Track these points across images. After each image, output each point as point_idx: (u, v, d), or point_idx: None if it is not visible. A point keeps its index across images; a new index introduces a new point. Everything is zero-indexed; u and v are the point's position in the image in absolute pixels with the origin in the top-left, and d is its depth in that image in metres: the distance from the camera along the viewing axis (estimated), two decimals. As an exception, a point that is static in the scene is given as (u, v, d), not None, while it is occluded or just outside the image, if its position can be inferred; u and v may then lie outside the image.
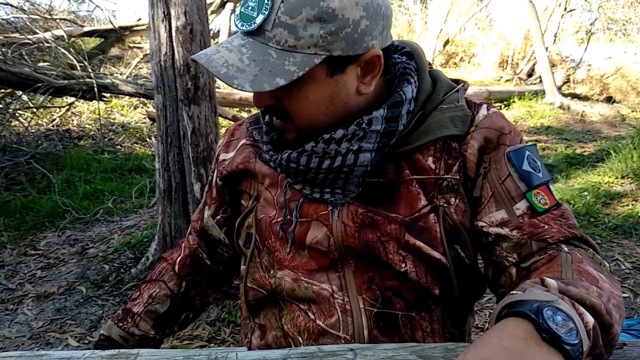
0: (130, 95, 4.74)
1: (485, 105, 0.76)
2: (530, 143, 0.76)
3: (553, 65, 8.18)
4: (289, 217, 0.76)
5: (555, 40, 9.02)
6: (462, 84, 0.77)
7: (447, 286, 0.74)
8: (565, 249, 0.66)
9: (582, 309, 0.51)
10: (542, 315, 0.47)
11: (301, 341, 0.77)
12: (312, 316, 0.76)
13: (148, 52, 4.65)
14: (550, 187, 0.73)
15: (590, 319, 0.50)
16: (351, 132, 0.68)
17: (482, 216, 0.72)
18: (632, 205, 3.43)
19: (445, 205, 0.72)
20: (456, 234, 0.73)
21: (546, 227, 0.69)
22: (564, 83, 8.18)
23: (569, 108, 7.06)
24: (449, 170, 0.72)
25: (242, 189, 0.84)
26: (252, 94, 0.66)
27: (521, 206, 0.70)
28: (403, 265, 0.72)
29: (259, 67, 0.62)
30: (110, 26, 6.64)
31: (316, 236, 0.74)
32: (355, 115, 0.69)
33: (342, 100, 0.68)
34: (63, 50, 5.08)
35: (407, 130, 0.72)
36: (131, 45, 7.38)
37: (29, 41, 5.13)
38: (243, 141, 0.84)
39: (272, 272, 0.79)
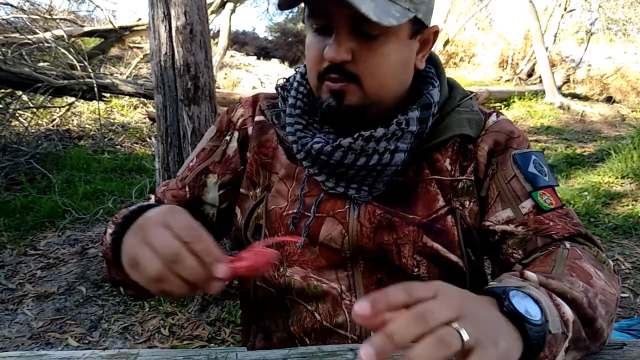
0: (130, 95, 4.74)
1: (495, 113, 0.80)
2: (537, 149, 0.79)
3: (553, 65, 8.18)
4: (302, 211, 0.75)
5: (555, 40, 9.02)
6: (475, 94, 0.81)
7: None
8: (567, 245, 0.67)
9: (559, 300, 0.52)
10: (508, 295, 0.48)
11: (308, 342, 0.76)
12: (318, 317, 0.75)
13: (148, 52, 4.65)
14: (556, 191, 0.75)
15: (567, 310, 0.51)
16: (391, 132, 0.69)
17: (489, 216, 0.74)
18: (632, 205, 3.43)
19: (460, 208, 0.73)
20: (469, 237, 0.74)
21: (551, 223, 0.70)
22: (564, 83, 8.19)
23: (569, 108, 7.06)
24: (464, 171, 0.74)
25: (250, 177, 0.81)
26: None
27: (527, 205, 0.72)
28: (416, 270, 0.72)
29: (375, 3, 0.63)
30: (110, 26, 6.63)
31: (330, 233, 0.73)
32: (395, 103, 0.72)
33: (408, 69, 0.72)
34: (63, 50, 5.08)
35: (427, 132, 0.74)
36: (131, 45, 7.38)
37: (29, 41, 5.13)
38: (261, 117, 0.81)
39: (281, 270, 0.78)
